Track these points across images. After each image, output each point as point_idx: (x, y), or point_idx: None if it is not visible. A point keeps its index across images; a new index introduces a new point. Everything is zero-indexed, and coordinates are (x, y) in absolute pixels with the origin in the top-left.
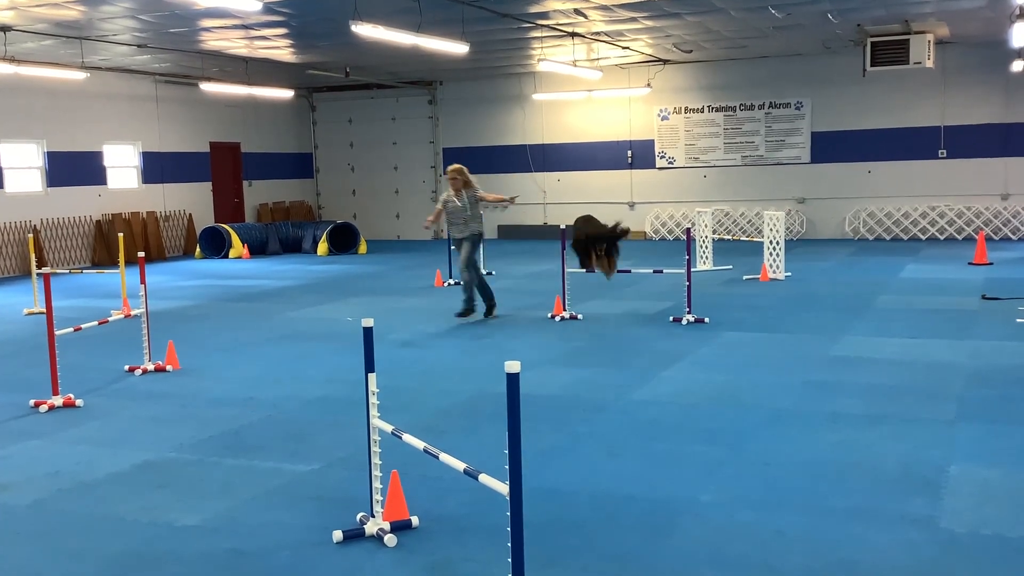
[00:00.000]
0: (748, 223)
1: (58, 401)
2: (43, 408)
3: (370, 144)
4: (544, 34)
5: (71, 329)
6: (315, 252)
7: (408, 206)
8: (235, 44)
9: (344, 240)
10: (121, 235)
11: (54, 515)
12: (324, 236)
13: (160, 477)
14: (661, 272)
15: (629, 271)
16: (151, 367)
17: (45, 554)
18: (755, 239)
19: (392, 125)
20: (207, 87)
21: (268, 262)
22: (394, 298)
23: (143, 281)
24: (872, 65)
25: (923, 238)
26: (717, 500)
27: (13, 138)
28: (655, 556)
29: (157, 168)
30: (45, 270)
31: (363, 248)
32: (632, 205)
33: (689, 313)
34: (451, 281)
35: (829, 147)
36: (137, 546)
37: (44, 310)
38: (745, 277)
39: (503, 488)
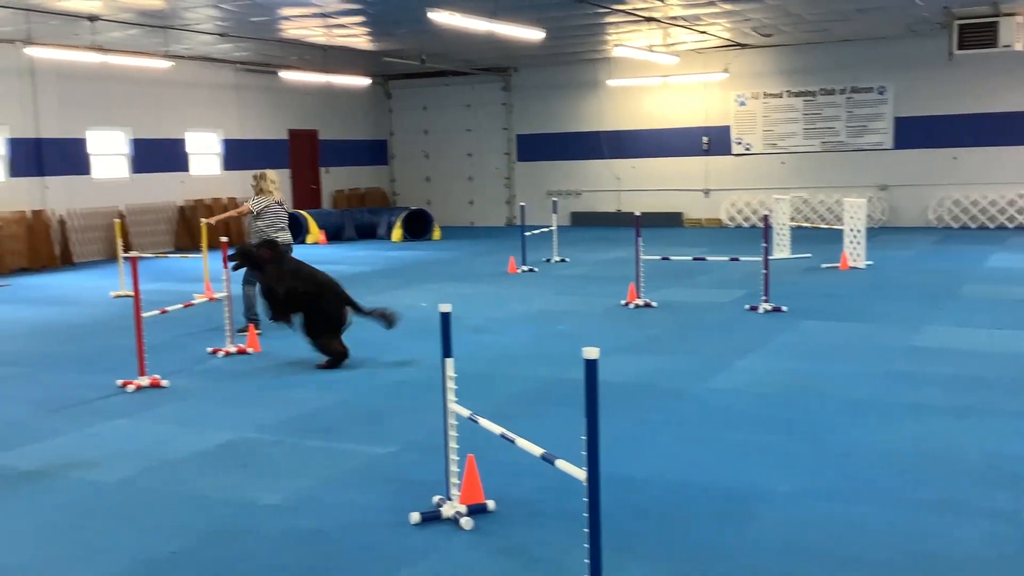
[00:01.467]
0: (827, 210)
1: (144, 381)
2: (130, 388)
3: (444, 131)
4: (620, 19)
5: (157, 312)
6: (389, 238)
7: (482, 193)
8: (314, 32)
9: (418, 226)
10: (204, 220)
11: (140, 492)
12: (398, 222)
13: (241, 457)
14: (737, 260)
15: (704, 259)
16: (233, 350)
17: (132, 529)
18: (835, 226)
19: (466, 112)
20: (286, 75)
21: (344, 248)
22: (468, 284)
23: (226, 266)
24: (959, 48)
25: (1010, 227)
26: (794, 490)
27: (100, 125)
28: (731, 545)
29: (237, 155)
30: (132, 254)
31: (437, 234)
32: (707, 192)
33: (766, 301)
34: (525, 268)
35: (913, 133)
36: (220, 523)
37: (131, 293)
38: (824, 265)
39: (580, 474)
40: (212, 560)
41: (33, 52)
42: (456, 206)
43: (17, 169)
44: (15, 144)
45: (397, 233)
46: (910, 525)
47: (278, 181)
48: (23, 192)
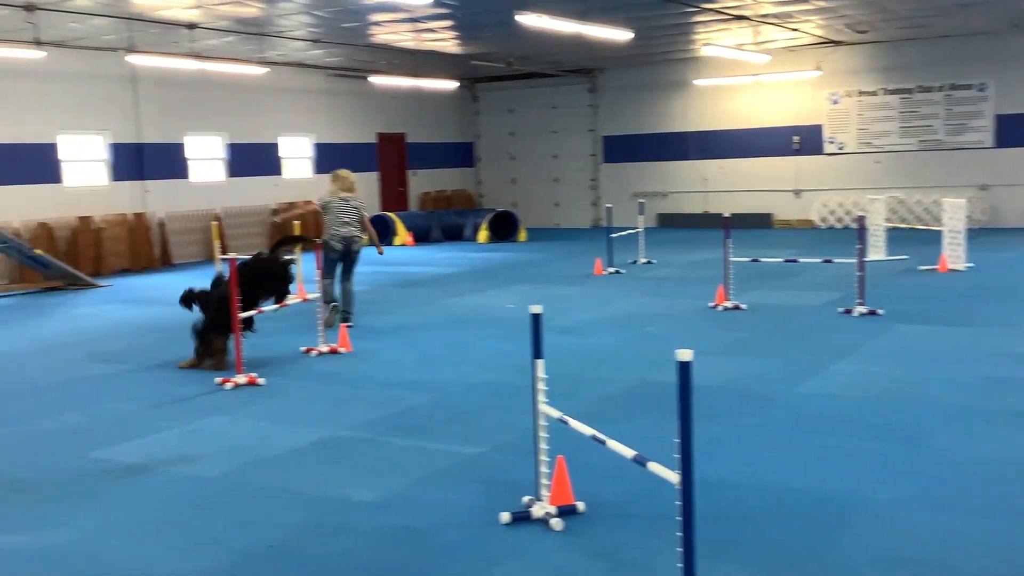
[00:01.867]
0: (924, 211)
1: (242, 379)
2: (228, 386)
3: (530, 133)
4: (709, 18)
5: (254, 312)
6: (475, 240)
7: (567, 194)
8: (403, 37)
9: (504, 228)
10: (297, 223)
11: (239, 486)
12: (484, 224)
13: (335, 454)
14: (831, 262)
15: (796, 260)
16: (325, 349)
17: (233, 522)
18: (933, 227)
19: (552, 114)
20: (375, 80)
21: (431, 249)
22: (554, 285)
23: (318, 267)
24: None
25: None
26: (892, 498)
27: (198, 131)
28: (827, 552)
29: (328, 158)
30: (230, 255)
31: (523, 236)
32: (798, 193)
33: (861, 304)
34: (611, 269)
35: (1015, 130)
36: (316, 518)
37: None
38: (921, 267)
39: (673, 477)
40: (309, 554)
41: (135, 60)
42: (542, 208)
43: (119, 173)
44: (118, 149)
45: (483, 235)
46: (1013, 537)
47: (349, 179)
48: (125, 195)
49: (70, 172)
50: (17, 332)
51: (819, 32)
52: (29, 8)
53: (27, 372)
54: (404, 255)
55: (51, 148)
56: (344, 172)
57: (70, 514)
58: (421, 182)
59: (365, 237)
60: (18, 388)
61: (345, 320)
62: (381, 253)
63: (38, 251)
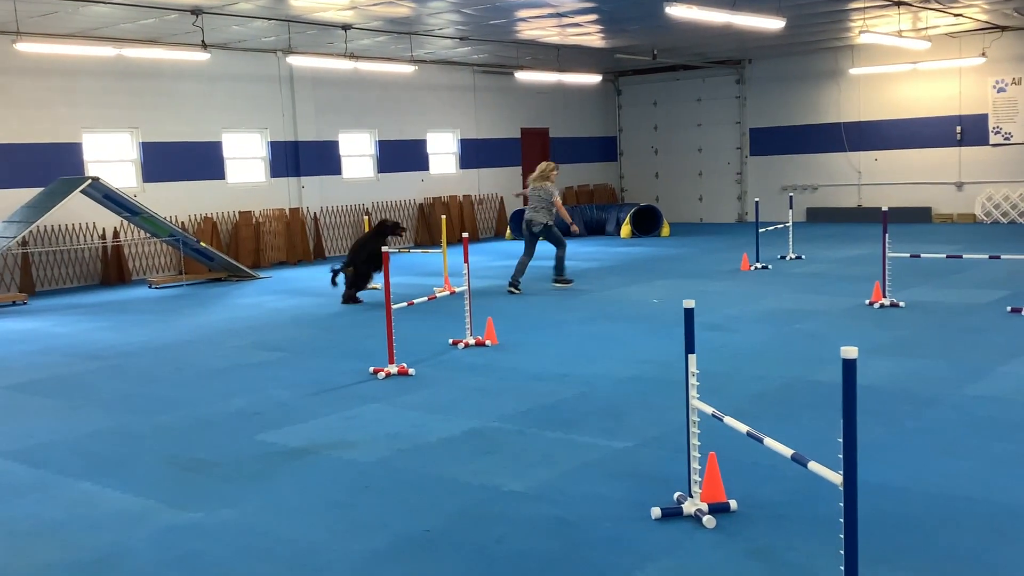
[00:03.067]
0: None
1: (394, 369)
2: (381, 375)
3: (674, 126)
4: (866, 4)
5: (404, 304)
6: (618, 234)
7: (712, 188)
8: (548, 32)
9: (647, 223)
10: (444, 217)
11: (396, 472)
12: (627, 218)
13: (486, 444)
14: (998, 258)
15: (959, 256)
16: (472, 341)
17: (393, 507)
18: None
19: (697, 106)
20: (520, 75)
21: (574, 244)
22: (699, 281)
23: (466, 261)
24: None
25: None
26: None
27: (350, 128)
28: (1000, 560)
29: (473, 154)
30: (385, 250)
31: (666, 231)
32: (960, 186)
33: None
34: (758, 265)
35: None
36: (471, 506)
37: (378, 286)
38: None
39: (836, 478)
40: (464, 541)
41: (292, 60)
42: (685, 202)
43: (277, 170)
44: (275, 147)
45: (626, 229)
46: None
47: (543, 170)
48: (282, 191)
49: (232, 169)
50: (185, 321)
51: (984, 17)
52: (195, 12)
53: (196, 359)
54: (547, 249)
55: (216, 146)
56: (542, 164)
57: (239, 493)
58: (564, 176)
59: (547, 220)
60: (188, 375)
61: (513, 286)
62: (575, 231)
63: (203, 244)
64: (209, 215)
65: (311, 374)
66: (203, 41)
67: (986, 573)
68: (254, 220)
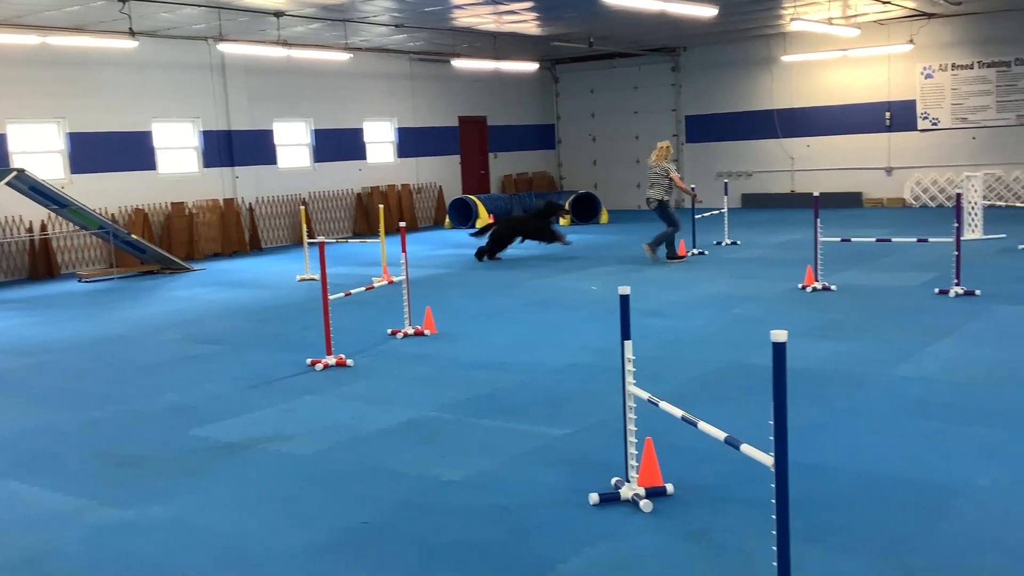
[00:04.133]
0: (1023, 188)
1: (332, 360)
2: (319, 367)
3: (611, 114)
4: None
5: (342, 294)
6: (557, 222)
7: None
8: (484, 20)
9: (585, 210)
10: (381, 207)
11: (334, 464)
12: (566, 206)
13: (425, 434)
14: (926, 241)
15: (888, 240)
16: (411, 331)
17: (331, 499)
18: None
19: (634, 94)
20: (457, 63)
21: None
22: (638, 267)
23: (404, 250)
24: None
25: None
26: (998, 483)
27: (285, 117)
28: (929, 538)
29: (410, 143)
30: (319, 239)
31: (604, 218)
32: (889, 170)
33: (958, 285)
34: (695, 251)
35: None
36: (410, 496)
37: (315, 277)
38: (1021, 247)
39: (767, 459)
40: (404, 531)
41: (224, 48)
42: (623, 189)
43: (210, 160)
44: (208, 136)
45: (565, 217)
46: None
47: (658, 150)
48: (215, 182)
49: (164, 159)
50: (116, 315)
51: (911, 4)
52: None
53: (128, 354)
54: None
55: (146, 136)
56: (660, 143)
57: (173, 490)
58: (502, 165)
59: (662, 197)
60: (120, 370)
61: (654, 249)
62: (699, 202)
63: (134, 236)
64: (140, 207)
65: (247, 367)
66: (131, 28)
67: (915, 550)
68: (187, 211)
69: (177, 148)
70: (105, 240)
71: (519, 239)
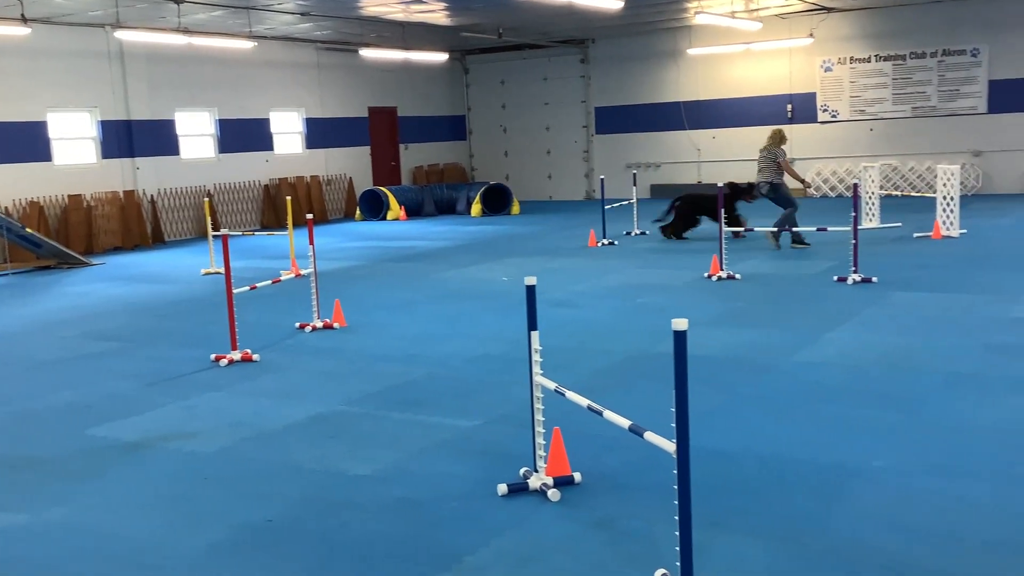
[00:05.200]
0: (918, 178)
1: (237, 356)
2: (223, 362)
3: (522, 105)
4: None
5: (247, 288)
6: (469, 213)
7: (560, 166)
8: (392, 9)
9: (497, 201)
10: (289, 199)
11: (238, 462)
12: (477, 197)
13: (332, 428)
14: (825, 230)
15: (789, 229)
16: (320, 324)
17: (233, 497)
18: (926, 195)
19: (544, 85)
20: (365, 53)
21: (424, 223)
22: (548, 258)
23: (312, 243)
24: None
25: None
26: (892, 465)
27: (188, 107)
28: (827, 520)
29: (319, 133)
30: (222, 232)
31: (516, 209)
32: (791, 161)
33: (855, 272)
34: (605, 241)
35: (1009, 96)
36: (315, 492)
37: (220, 270)
38: (916, 235)
39: (670, 446)
40: (307, 528)
41: (122, 36)
42: (534, 180)
43: (109, 151)
44: (106, 126)
45: (476, 208)
46: (1013, 501)
47: (772, 134)
48: (115, 173)
49: (60, 150)
50: (10, 311)
51: None
52: None
53: (23, 351)
54: (397, 229)
55: (41, 126)
56: (773, 129)
57: (69, 491)
58: (413, 156)
59: (772, 179)
60: (14, 367)
61: (777, 236)
62: (808, 186)
63: (29, 230)
64: (35, 199)
65: (147, 364)
66: (23, 15)
67: (813, 531)
68: (85, 204)
69: (74, 139)
70: None
71: (701, 218)
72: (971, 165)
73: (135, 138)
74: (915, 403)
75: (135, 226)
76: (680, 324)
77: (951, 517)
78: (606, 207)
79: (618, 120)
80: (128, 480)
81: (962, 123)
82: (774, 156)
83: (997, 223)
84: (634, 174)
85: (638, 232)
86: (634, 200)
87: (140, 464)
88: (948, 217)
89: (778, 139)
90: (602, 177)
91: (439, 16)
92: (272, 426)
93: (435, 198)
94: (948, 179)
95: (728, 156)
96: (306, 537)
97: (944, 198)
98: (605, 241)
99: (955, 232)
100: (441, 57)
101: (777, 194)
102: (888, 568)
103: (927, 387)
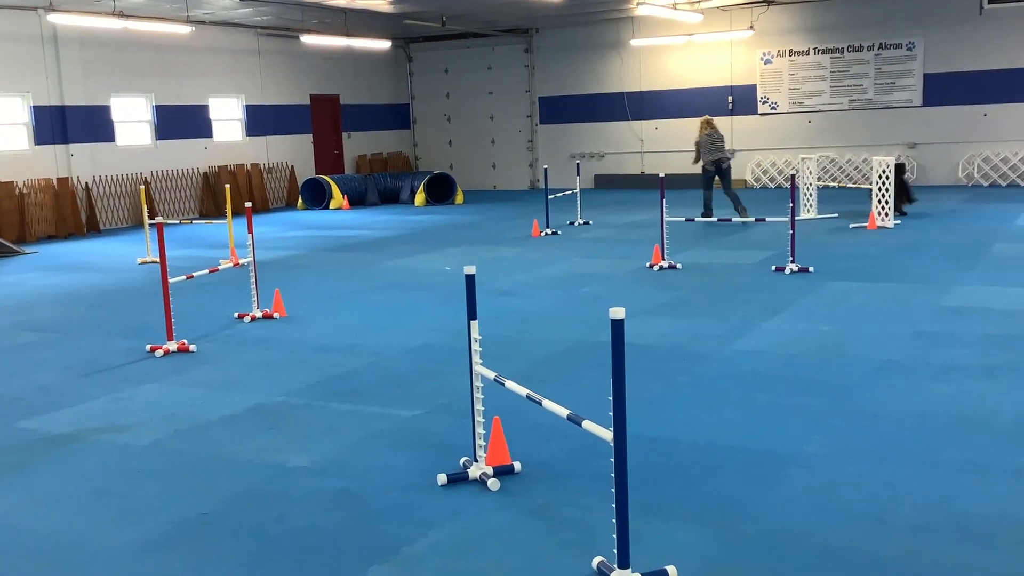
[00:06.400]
0: (855, 169)
1: (172, 346)
2: (159, 353)
3: (466, 94)
4: None
5: (183, 277)
6: (412, 203)
7: (504, 156)
8: None
9: (441, 190)
10: (228, 187)
11: (172, 455)
12: (421, 187)
13: (270, 420)
14: (763, 221)
15: (729, 220)
16: (259, 315)
17: (165, 491)
18: (862, 186)
19: (488, 74)
20: (307, 39)
21: (367, 213)
22: (492, 247)
23: (251, 231)
24: (990, 2)
25: None
26: (823, 451)
27: (124, 92)
28: (760, 505)
29: (260, 121)
30: (158, 220)
31: (460, 198)
32: (732, 152)
33: (792, 262)
34: (548, 231)
35: (942, 89)
36: (251, 485)
37: (157, 259)
38: (852, 225)
39: (607, 435)
40: (243, 522)
41: (56, 19)
42: (478, 170)
43: (42, 137)
44: (39, 112)
45: (420, 197)
46: (941, 485)
47: (709, 120)
48: (48, 160)
49: None
50: None
51: None
52: None
53: None
54: (340, 218)
55: None
56: (705, 117)
57: None
58: (356, 145)
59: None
60: None
61: (741, 212)
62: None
63: None
64: None
65: (80, 355)
66: None
67: (748, 517)
68: (17, 191)
69: (6, 124)
70: None
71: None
72: (906, 157)
73: (69, 124)
74: (846, 390)
75: (69, 214)
76: (617, 313)
77: (878, 501)
78: (550, 197)
79: (562, 110)
80: (57, 474)
81: (897, 116)
82: (722, 137)
83: (930, 214)
84: (578, 164)
85: (581, 222)
86: (577, 190)
87: (70, 458)
88: (883, 208)
89: (713, 122)
90: (546, 167)
91: (382, 3)
92: (208, 418)
93: (379, 187)
94: (883, 171)
95: (671, 147)
96: (241, 531)
97: (879, 189)
98: (548, 231)
99: (890, 223)
100: (384, 45)
101: (729, 168)
102: (819, 552)
103: (859, 374)
